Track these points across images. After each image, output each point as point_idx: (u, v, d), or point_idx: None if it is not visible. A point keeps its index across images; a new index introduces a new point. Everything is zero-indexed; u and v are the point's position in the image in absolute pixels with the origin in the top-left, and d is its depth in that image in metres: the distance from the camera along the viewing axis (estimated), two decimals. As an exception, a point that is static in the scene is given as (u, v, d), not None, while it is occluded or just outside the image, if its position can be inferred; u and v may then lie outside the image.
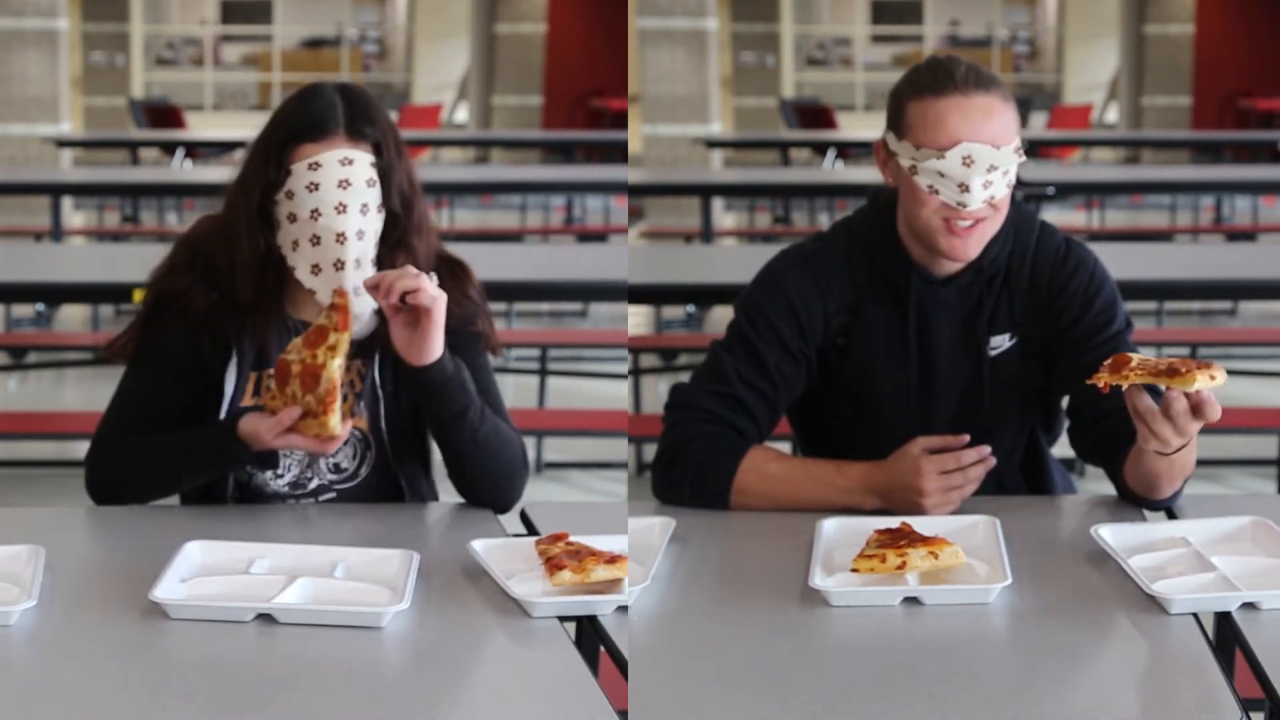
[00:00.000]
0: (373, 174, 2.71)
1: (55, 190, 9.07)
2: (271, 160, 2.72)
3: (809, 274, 2.83)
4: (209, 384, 2.78)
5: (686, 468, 2.74)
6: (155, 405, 2.79)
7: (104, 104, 17.70)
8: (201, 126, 16.97)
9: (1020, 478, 2.93)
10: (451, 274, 2.83)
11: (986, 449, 2.67)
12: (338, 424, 2.61)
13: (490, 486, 2.78)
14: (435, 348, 2.67)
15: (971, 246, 2.74)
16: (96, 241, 11.49)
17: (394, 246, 2.75)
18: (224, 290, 2.77)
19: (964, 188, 2.66)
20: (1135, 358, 2.48)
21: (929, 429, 2.77)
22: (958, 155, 2.66)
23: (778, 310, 2.82)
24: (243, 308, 2.76)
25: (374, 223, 2.72)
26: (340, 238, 2.67)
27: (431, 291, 2.63)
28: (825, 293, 2.82)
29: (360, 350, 2.78)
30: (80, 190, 10.94)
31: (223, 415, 2.76)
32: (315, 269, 2.70)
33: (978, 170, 2.66)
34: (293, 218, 2.69)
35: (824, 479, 2.72)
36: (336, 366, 2.61)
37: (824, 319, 2.83)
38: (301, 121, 2.72)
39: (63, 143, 12.51)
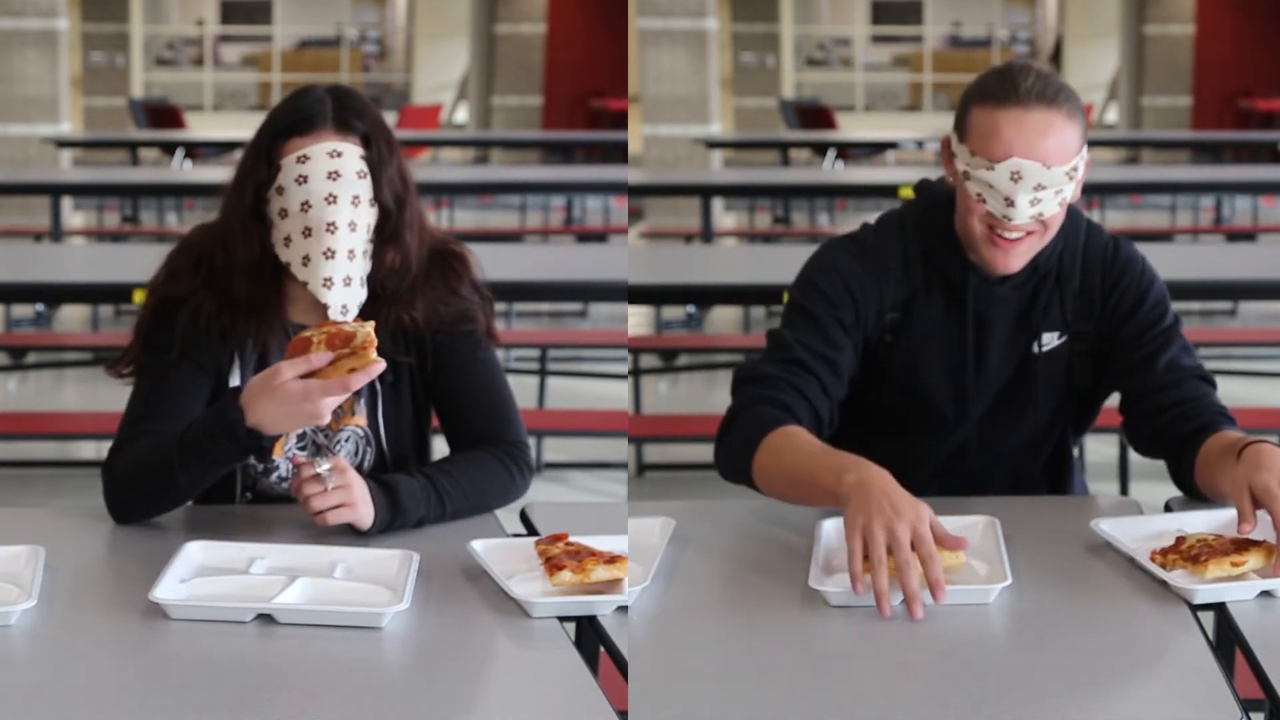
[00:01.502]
0: (362, 166, 2.70)
1: (55, 190, 9.07)
2: (262, 158, 2.72)
3: (866, 263, 2.81)
4: (217, 388, 2.75)
5: (728, 442, 2.72)
6: (169, 411, 2.71)
7: (104, 104, 17.70)
8: (201, 127, 16.96)
9: (1042, 477, 2.92)
10: (444, 269, 2.82)
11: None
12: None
13: (484, 514, 2.76)
14: (363, 525, 2.57)
15: (1014, 260, 2.73)
16: (96, 242, 11.51)
17: (385, 241, 2.75)
18: (223, 292, 2.76)
19: (1009, 202, 2.65)
20: (1188, 542, 2.37)
21: (964, 420, 2.79)
22: (1006, 169, 2.64)
23: (835, 289, 2.79)
24: (241, 309, 2.75)
25: (366, 215, 2.71)
26: (331, 227, 2.66)
27: (338, 508, 2.55)
28: (883, 284, 2.80)
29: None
30: (80, 190, 10.94)
31: None
32: (305, 260, 2.69)
33: (1024, 187, 2.64)
34: (284, 213, 2.69)
35: (821, 482, 2.52)
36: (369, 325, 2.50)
37: (878, 310, 2.80)
38: (290, 117, 2.73)
39: (63, 143, 12.51)
